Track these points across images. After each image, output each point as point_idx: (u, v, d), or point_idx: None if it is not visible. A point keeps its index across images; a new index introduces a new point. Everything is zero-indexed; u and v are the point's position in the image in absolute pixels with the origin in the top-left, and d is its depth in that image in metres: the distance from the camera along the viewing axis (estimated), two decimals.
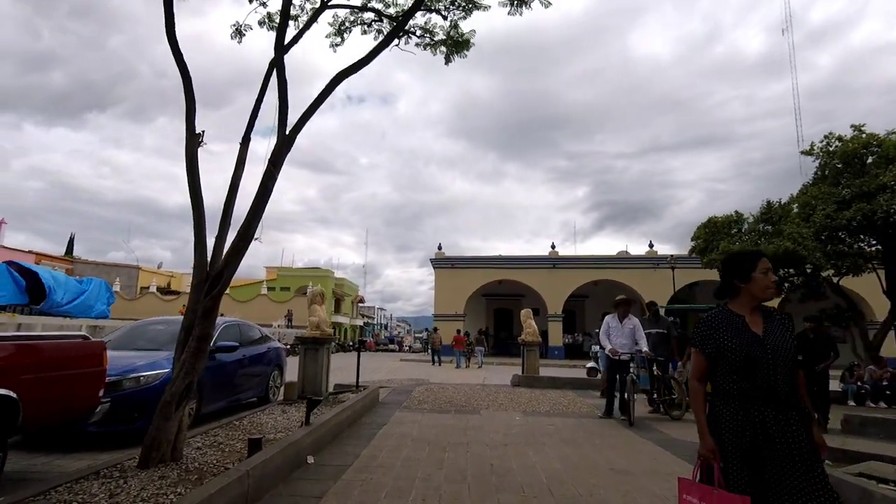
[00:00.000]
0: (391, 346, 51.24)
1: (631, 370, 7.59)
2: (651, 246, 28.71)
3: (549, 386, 11.73)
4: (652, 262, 27.67)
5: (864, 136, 11.93)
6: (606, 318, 8.17)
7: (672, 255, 25.73)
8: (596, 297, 30.64)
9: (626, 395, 7.42)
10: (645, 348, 7.66)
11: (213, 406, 6.55)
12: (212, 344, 5.20)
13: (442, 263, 29.49)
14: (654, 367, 8.25)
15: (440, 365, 21.97)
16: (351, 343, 45.59)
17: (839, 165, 12.11)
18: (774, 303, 13.26)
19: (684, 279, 26.33)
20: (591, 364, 15.16)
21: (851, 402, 11.05)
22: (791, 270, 11.51)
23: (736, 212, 13.34)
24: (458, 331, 24.89)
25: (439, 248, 29.94)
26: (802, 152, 12.91)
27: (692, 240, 14.11)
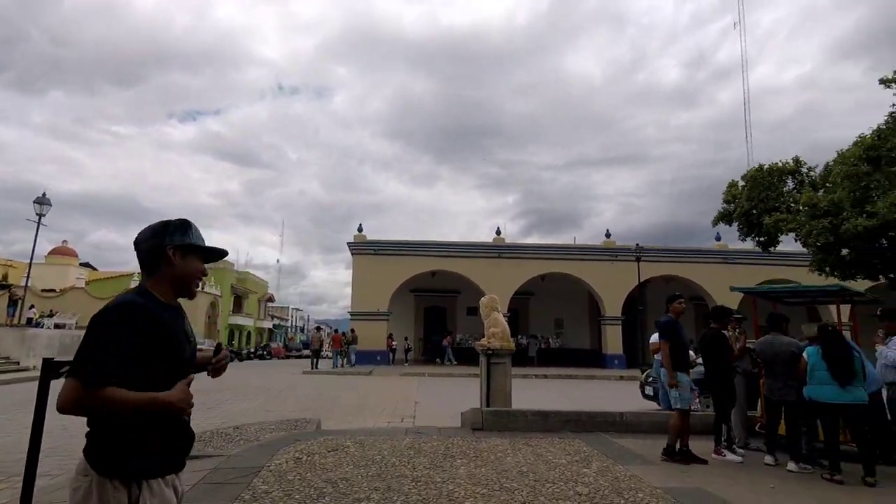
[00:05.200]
0: (305, 352, 44.12)
1: None
2: (608, 235, 24.90)
3: (539, 429, 6.61)
4: (610, 253, 23.79)
5: None
6: None
7: (638, 244, 21.93)
8: (543, 293, 26.36)
9: None
10: None
11: None
12: None
13: (362, 248, 23.76)
14: None
15: (317, 367, 20.18)
16: (250, 351, 38.11)
17: None
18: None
19: (649, 273, 22.66)
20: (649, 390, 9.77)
21: None
22: None
23: (796, 158, 9.02)
24: (336, 330, 23.86)
25: (359, 229, 24.16)
26: (882, 80, 8.78)
27: (725, 202, 9.68)
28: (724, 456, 5.37)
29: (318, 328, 25.67)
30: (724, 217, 9.61)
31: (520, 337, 25.38)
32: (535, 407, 7.64)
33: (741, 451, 5.59)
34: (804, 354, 5.07)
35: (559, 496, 3.95)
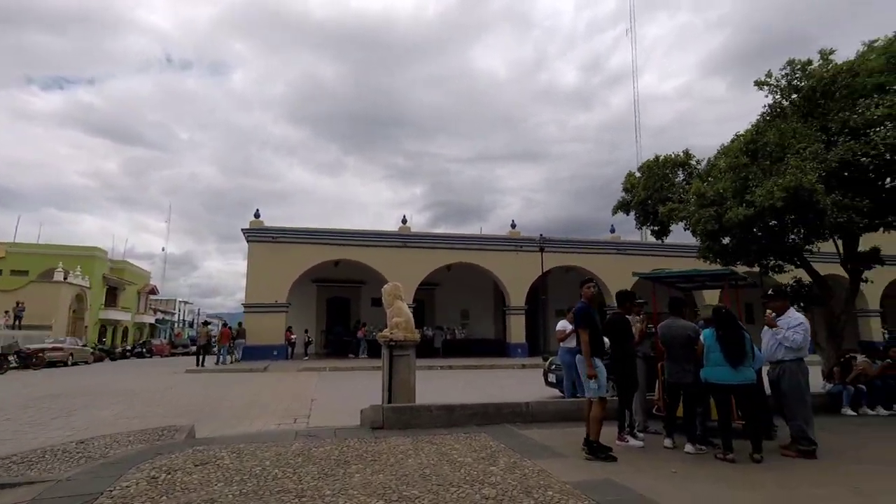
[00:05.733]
0: (194, 349, 40.47)
1: None
2: (513, 226, 25.43)
3: (444, 424, 6.19)
4: (515, 243, 24.30)
5: (831, 65, 9.02)
6: None
7: (542, 235, 22.59)
8: (449, 284, 26.33)
9: None
10: None
11: None
12: None
13: (259, 235, 21.91)
14: None
15: (203, 365, 18.76)
16: (126, 349, 34.02)
17: (818, 96, 8.97)
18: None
19: (551, 263, 23.48)
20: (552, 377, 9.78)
21: (848, 410, 7.91)
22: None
23: (686, 151, 9.52)
24: (225, 324, 21.83)
25: (256, 215, 22.25)
26: (757, 82, 9.56)
27: (624, 191, 9.99)
28: (628, 442, 5.34)
29: (206, 322, 23.40)
30: (623, 206, 9.97)
31: (425, 328, 25.14)
32: (441, 400, 7.24)
33: (641, 435, 5.61)
34: (701, 337, 5.15)
35: (465, 501, 3.52)
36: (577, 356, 5.10)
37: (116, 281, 38.51)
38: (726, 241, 8.40)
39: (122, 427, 6.71)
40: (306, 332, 23.66)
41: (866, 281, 9.84)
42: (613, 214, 10.40)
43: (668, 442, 5.28)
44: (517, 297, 23.96)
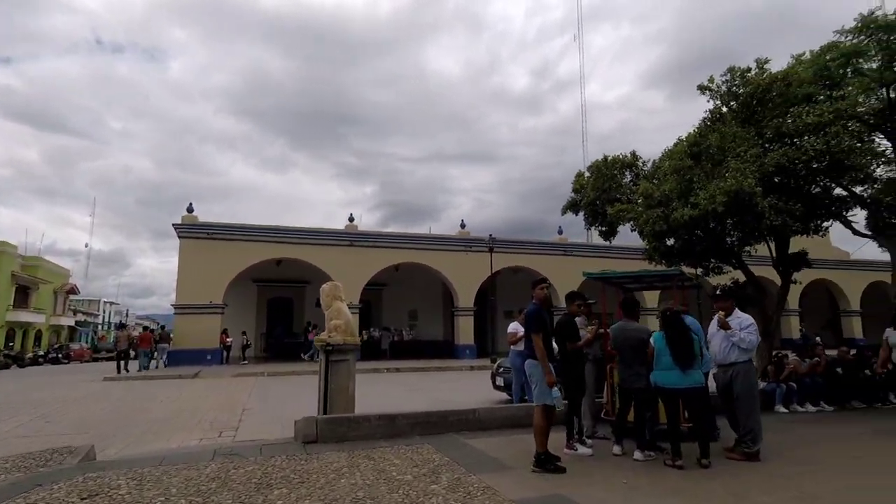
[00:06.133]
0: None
1: None
2: (463, 226, 25.24)
3: (384, 435, 5.73)
4: (465, 243, 24.11)
5: (766, 73, 9.36)
6: None
7: (491, 235, 22.50)
8: (397, 284, 25.81)
9: None
10: None
11: None
12: None
13: (191, 231, 20.45)
14: None
15: (126, 371, 17.14)
16: (38, 354, 31.06)
17: (755, 103, 9.26)
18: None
19: (500, 263, 23.46)
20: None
21: (781, 408, 8.14)
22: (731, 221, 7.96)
23: (633, 152, 9.56)
24: (146, 327, 22.04)
25: (189, 209, 20.76)
26: (700, 87, 9.78)
27: (573, 191, 9.91)
28: (576, 450, 5.11)
29: (123, 325, 21.62)
30: (573, 206, 9.93)
31: (372, 329, 24.52)
32: (385, 407, 6.79)
33: (590, 442, 5.40)
34: (651, 340, 5.00)
35: None
36: (528, 361, 4.81)
37: (28, 279, 35.05)
38: (671, 242, 8.48)
39: (4, 449, 5.77)
40: (244, 334, 22.37)
41: (795, 282, 10.30)
42: (563, 214, 10.33)
43: (616, 449, 5.09)
44: (466, 297, 23.78)
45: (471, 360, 21.98)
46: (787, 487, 4.11)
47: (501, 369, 9.60)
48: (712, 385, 5.66)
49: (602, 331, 5.96)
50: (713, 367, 5.34)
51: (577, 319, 5.66)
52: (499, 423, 6.34)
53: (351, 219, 23.51)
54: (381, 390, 11.40)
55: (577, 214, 10.15)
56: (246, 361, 20.90)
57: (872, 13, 10.42)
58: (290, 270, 23.68)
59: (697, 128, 8.72)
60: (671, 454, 4.72)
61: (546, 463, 4.45)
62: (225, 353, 20.61)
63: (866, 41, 10.47)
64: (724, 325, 5.19)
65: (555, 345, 5.10)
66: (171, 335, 20.00)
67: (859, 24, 10.62)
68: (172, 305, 20.15)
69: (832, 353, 9.50)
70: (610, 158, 9.46)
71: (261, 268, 22.13)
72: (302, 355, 20.77)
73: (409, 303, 26.96)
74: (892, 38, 10.16)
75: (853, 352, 9.47)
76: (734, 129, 8.60)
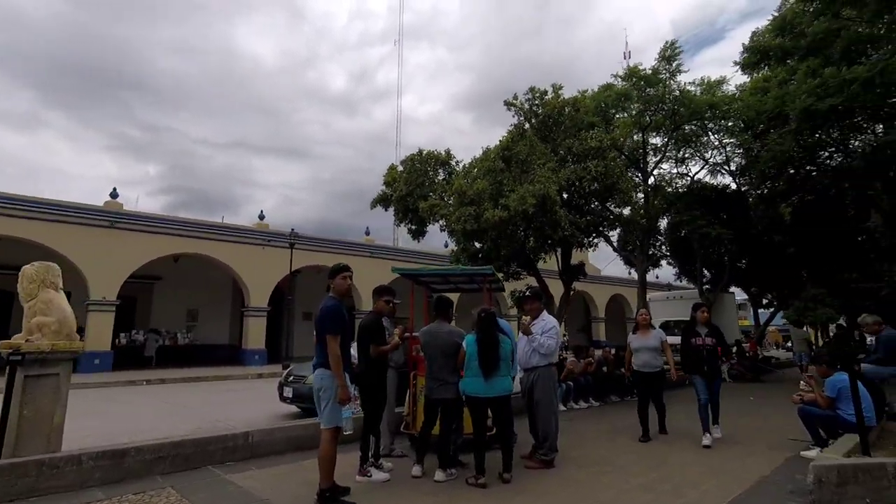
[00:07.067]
0: None
1: None
2: (262, 217, 22.60)
3: (106, 479, 4.04)
4: (262, 236, 21.59)
5: (560, 98, 10.35)
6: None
7: (293, 229, 20.49)
8: (174, 278, 21.79)
9: None
10: None
11: None
12: None
13: None
14: None
15: None
16: None
17: (551, 123, 10.03)
18: None
19: (302, 261, 21.63)
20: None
21: (561, 406, 8.73)
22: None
23: (447, 150, 9.38)
24: None
25: None
26: (506, 102, 10.26)
27: (385, 184, 9.26)
28: (370, 476, 4.28)
29: None
30: (383, 200, 9.31)
31: (135, 331, 20.19)
32: (124, 435, 4.95)
33: (389, 465, 4.64)
34: (464, 344, 4.50)
35: None
36: (318, 372, 3.81)
37: None
38: (479, 245, 8.48)
39: None
40: None
41: (573, 291, 11.49)
42: (372, 208, 9.62)
43: (416, 470, 4.42)
44: (259, 296, 21.29)
45: (260, 366, 19.69)
46: (587, 497, 3.97)
47: (291, 378, 8.32)
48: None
49: (408, 334, 5.31)
50: (520, 372, 5.13)
51: (384, 320, 4.90)
52: (280, 446, 5.15)
53: (114, 195, 18.93)
54: (130, 411, 8.94)
55: (387, 209, 9.56)
56: None
57: (635, 68, 12.39)
58: (16, 253, 17.85)
59: (507, 136, 9.00)
60: (475, 470, 4.26)
61: (331, 501, 3.51)
62: None
63: (631, 88, 12.40)
64: (525, 331, 5.02)
65: (353, 351, 4.22)
66: None
67: (627, 72, 12.48)
68: None
69: (598, 353, 10.78)
70: (425, 153, 9.14)
71: None
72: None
73: (189, 301, 23.02)
74: (648, 90, 12.23)
75: (613, 352, 10.90)
76: (536, 143, 9.10)
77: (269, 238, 21.55)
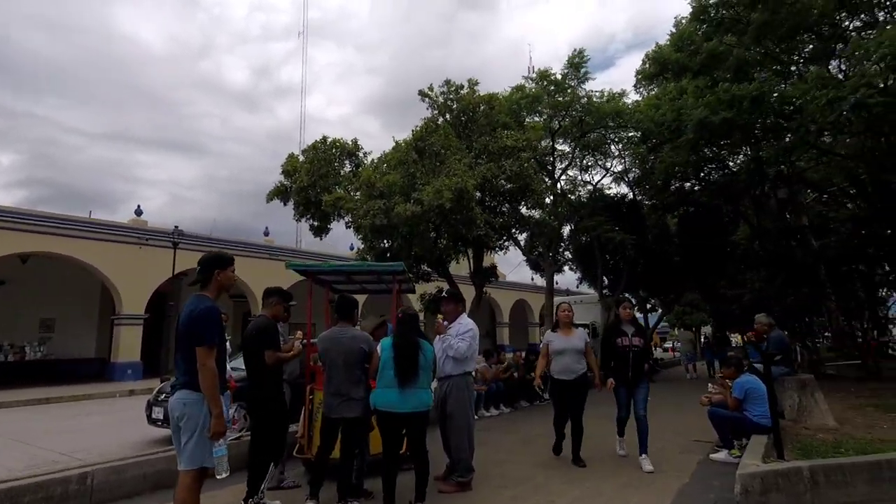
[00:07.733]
0: None
1: None
2: (139, 213, 19.87)
3: None
4: (139, 234, 18.96)
5: (476, 95, 10.14)
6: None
7: (177, 227, 18.16)
8: (24, 282, 18.38)
9: None
10: None
11: None
12: None
13: None
14: None
15: None
16: None
17: (465, 119, 9.72)
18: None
19: (188, 263, 19.31)
20: None
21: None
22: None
23: (354, 140, 8.62)
24: None
25: None
26: (420, 92, 9.82)
27: (283, 173, 8.28)
28: None
29: None
30: (281, 192, 8.28)
31: None
32: None
33: (276, 503, 3.80)
34: (378, 349, 3.81)
35: None
36: (179, 395, 2.92)
37: None
38: (387, 243, 7.83)
39: None
40: None
41: (485, 294, 11.25)
42: (269, 201, 8.57)
43: None
44: (135, 302, 18.64)
45: (133, 381, 17.18)
46: None
47: (162, 396, 7.01)
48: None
49: (306, 341, 4.50)
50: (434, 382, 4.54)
51: (280, 325, 4.09)
52: (132, 488, 4.07)
53: None
54: None
55: (286, 203, 8.54)
56: None
57: (546, 71, 12.55)
58: None
59: (421, 127, 8.48)
60: (383, 501, 3.59)
61: None
62: None
63: (542, 91, 12.52)
64: (438, 330, 4.45)
65: (229, 367, 3.37)
66: None
67: (538, 74, 12.60)
68: None
69: (510, 356, 10.61)
70: (329, 140, 8.28)
71: None
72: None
73: (41, 309, 19.52)
74: (557, 96, 12.43)
75: (523, 355, 10.79)
76: (452, 136, 8.69)
77: (146, 236, 18.98)
